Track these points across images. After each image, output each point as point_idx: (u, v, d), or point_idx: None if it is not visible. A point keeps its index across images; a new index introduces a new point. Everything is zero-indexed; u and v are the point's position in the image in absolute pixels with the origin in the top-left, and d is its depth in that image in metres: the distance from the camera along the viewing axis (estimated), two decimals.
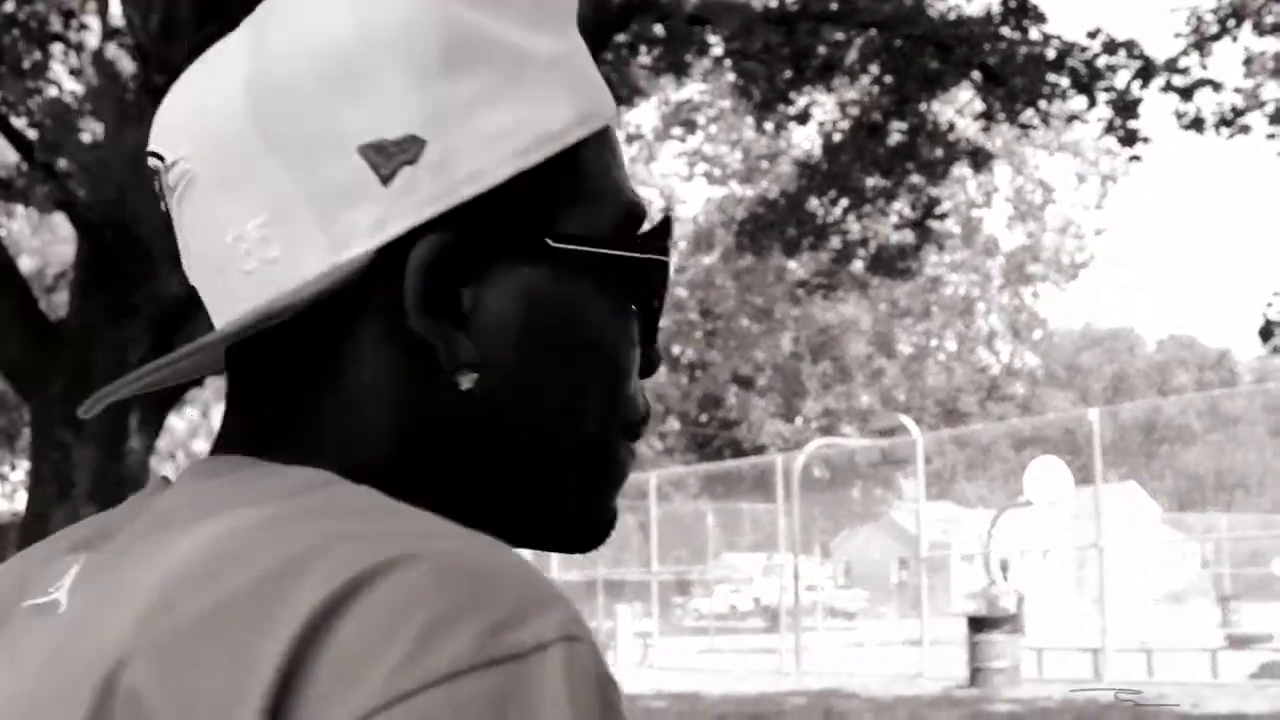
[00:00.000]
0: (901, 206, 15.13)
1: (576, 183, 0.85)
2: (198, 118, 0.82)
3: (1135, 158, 13.58)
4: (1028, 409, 58.55)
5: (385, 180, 0.79)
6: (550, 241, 0.83)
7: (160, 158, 0.85)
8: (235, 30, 0.86)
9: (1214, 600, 31.33)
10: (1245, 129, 13.37)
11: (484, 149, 0.81)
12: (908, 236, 15.83)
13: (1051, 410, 55.49)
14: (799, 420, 51.71)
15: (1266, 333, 13.08)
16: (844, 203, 14.73)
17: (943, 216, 16.27)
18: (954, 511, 46.58)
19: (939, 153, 13.98)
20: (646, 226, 0.89)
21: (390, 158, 0.80)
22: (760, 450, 43.88)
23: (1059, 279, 59.17)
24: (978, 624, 20.61)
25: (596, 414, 0.86)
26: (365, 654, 0.63)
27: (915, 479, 25.96)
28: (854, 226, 15.17)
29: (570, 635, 0.66)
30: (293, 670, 0.63)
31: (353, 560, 0.66)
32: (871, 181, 14.47)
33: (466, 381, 0.81)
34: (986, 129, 14.08)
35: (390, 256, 0.79)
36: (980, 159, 14.41)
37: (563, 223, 0.84)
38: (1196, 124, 13.29)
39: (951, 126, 14.41)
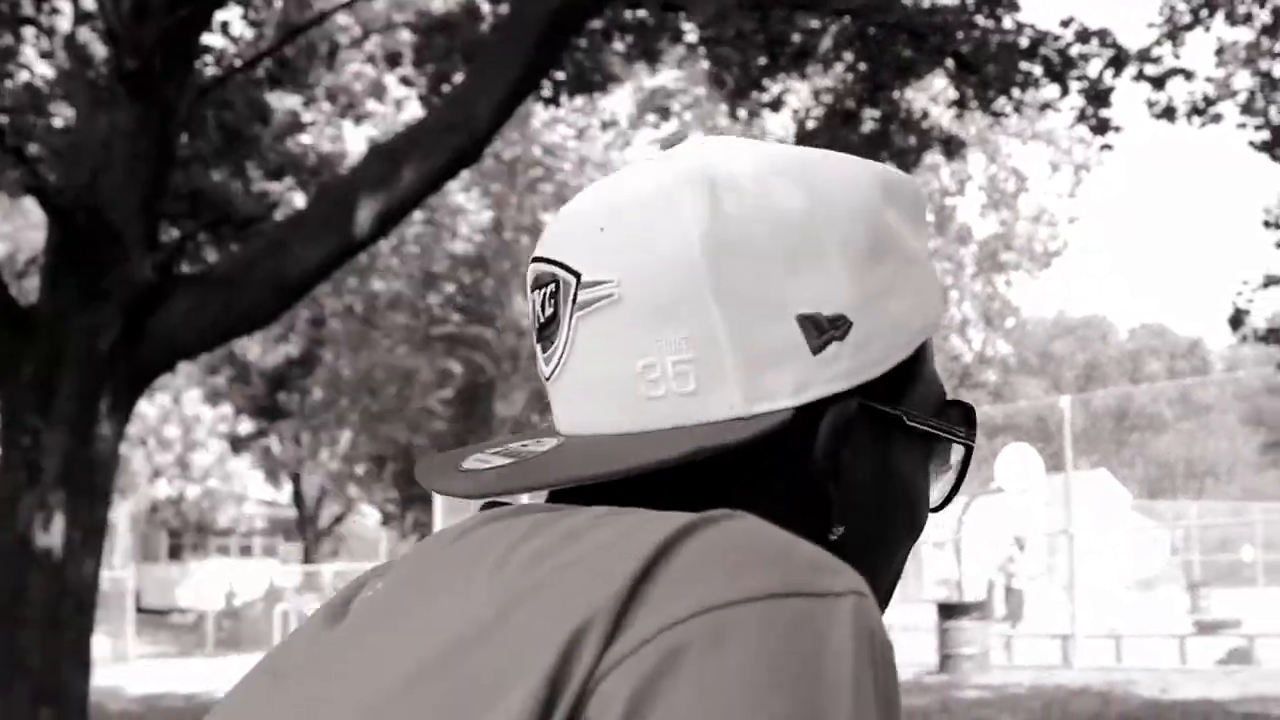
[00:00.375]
0: None
1: (919, 367, 0.98)
2: (644, 252, 0.91)
3: (1107, 146, 13.61)
4: (1000, 396, 58.64)
5: (815, 351, 0.91)
6: (906, 419, 0.96)
7: (571, 270, 0.94)
8: (668, 167, 0.95)
9: (1184, 587, 31.46)
10: (1217, 118, 13.42)
11: (889, 335, 0.94)
12: None
13: (1024, 398, 55.61)
14: None
15: (1236, 321, 13.15)
16: None
17: None
18: None
19: (912, 140, 14.00)
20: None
21: (823, 332, 0.91)
22: None
23: (1032, 267, 59.25)
24: (947, 610, 20.69)
25: (898, 570, 1.01)
26: (694, 574, 0.77)
27: None
28: None
29: (860, 592, 0.79)
30: (641, 580, 0.77)
31: (687, 517, 0.81)
32: None
33: (836, 534, 0.93)
34: (959, 117, 14.10)
35: (801, 416, 0.91)
36: (953, 147, 14.43)
37: (908, 402, 0.97)
38: (1168, 113, 13.33)
39: (925, 114, 14.43)
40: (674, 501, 0.89)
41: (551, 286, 0.95)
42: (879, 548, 0.97)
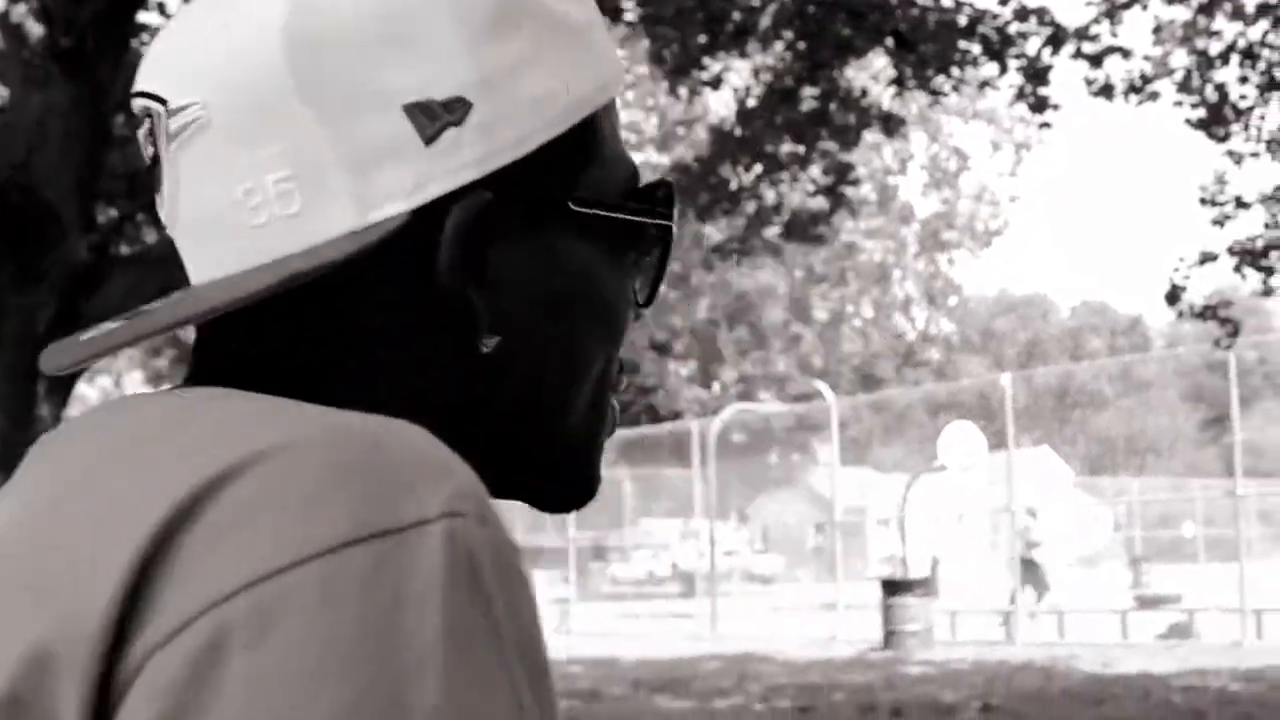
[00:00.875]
0: (815, 172, 15.17)
1: (591, 148, 0.85)
2: (222, 62, 0.79)
3: (1046, 124, 13.70)
4: (943, 374, 59.00)
5: (429, 141, 0.78)
6: (572, 205, 0.84)
7: (160, 99, 0.81)
8: None
9: (1125, 563, 31.74)
10: (1154, 96, 13.50)
11: (525, 114, 0.81)
12: (821, 202, 15.89)
13: (966, 376, 55.98)
14: (716, 386, 51.85)
15: (1173, 297, 13.24)
16: (757, 168, 14.75)
17: (855, 182, 16.34)
18: (870, 476, 46.87)
19: (851, 119, 14.03)
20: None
21: (435, 118, 0.79)
22: (677, 416, 43.95)
23: (974, 246, 59.62)
24: (892, 587, 20.80)
25: (599, 372, 0.87)
26: (244, 525, 0.62)
27: (830, 444, 26.13)
28: (768, 193, 15.20)
29: (454, 511, 0.64)
30: (157, 550, 0.62)
31: (241, 442, 0.66)
32: (785, 147, 14.50)
33: (489, 345, 0.80)
34: (899, 95, 14.13)
35: (423, 218, 0.78)
36: (892, 125, 14.47)
37: (580, 187, 0.84)
38: (1106, 91, 13.40)
39: (864, 92, 14.46)
40: (297, 348, 0.80)
41: (148, 122, 0.82)
42: (565, 353, 0.85)
